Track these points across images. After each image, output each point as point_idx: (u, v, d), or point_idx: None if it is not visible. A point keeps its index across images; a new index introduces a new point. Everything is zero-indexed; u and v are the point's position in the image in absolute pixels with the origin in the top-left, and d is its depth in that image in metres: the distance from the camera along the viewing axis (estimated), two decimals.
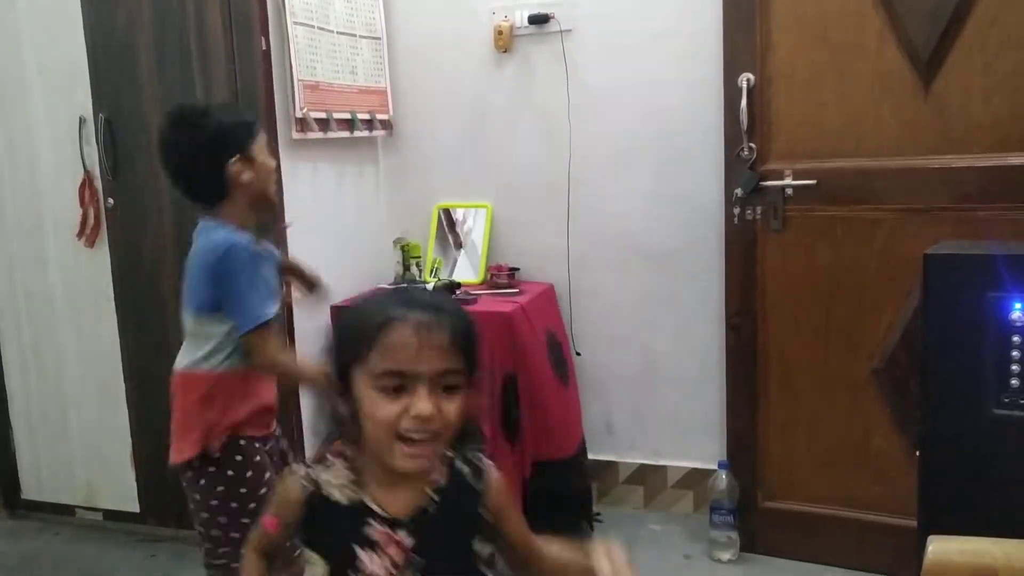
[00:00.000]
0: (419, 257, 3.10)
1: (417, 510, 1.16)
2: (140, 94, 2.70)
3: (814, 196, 2.53)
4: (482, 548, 1.20)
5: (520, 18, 2.94)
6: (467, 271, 3.05)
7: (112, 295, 2.86)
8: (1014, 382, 1.77)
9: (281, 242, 2.09)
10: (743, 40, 2.57)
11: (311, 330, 2.77)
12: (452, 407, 1.10)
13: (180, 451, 1.86)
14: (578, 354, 3.02)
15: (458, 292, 2.78)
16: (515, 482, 2.58)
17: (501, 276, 2.94)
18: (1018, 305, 1.75)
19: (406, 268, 3.09)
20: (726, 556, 2.70)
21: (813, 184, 2.52)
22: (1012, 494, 1.79)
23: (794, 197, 2.56)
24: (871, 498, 2.55)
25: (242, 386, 1.89)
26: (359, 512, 1.14)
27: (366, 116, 2.97)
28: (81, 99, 2.76)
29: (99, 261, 2.82)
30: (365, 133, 2.99)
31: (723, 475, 2.69)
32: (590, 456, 3.06)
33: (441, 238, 3.14)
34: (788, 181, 2.55)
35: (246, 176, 1.86)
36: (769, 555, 2.70)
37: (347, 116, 2.88)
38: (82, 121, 2.77)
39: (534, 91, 3.00)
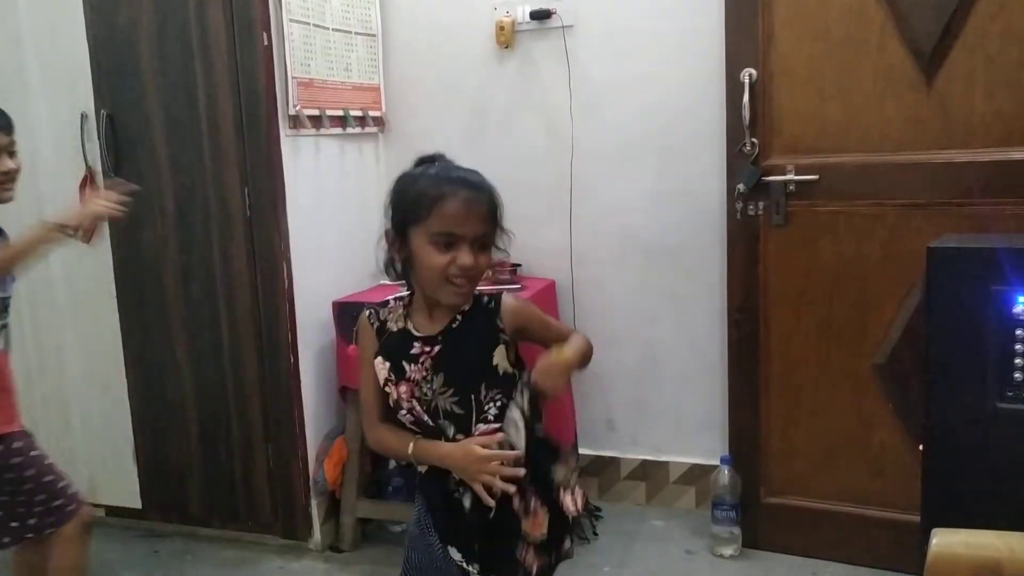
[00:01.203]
0: None
1: (446, 328, 1.53)
2: (142, 90, 2.70)
3: (816, 191, 2.53)
4: (500, 358, 1.52)
5: (522, 14, 2.94)
6: None
7: (114, 291, 2.86)
8: (1017, 376, 1.77)
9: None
10: (745, 35, 2.57)
11: (312, 323, 2.78)
12: (484, 259, 1.50)
13: None
14: None
15: None
16: None
17: (503, 272, 2.94)
18: (1021, 299, 1.75)
19: None
20: (728, 552, 2.70)
21: (815, 179, 2.52)
22: (1016, 488, 1.79)
23: (796, 192, 2.56)
24: (874, 493, 2.55)
25: None
26: (406, 336, 1.54)
27: (359, 113, 2.97)
28: (83, 95, 2.76)
29: (100, 257, 2.82)
30: (357, 130, 2.99)
31: (725, 471, 2.69)
32: (592, 452, 3.06)
33: None
34: (790, 176, 2.55)
35: None
36: (771, 551, 2.70)
37: (340, 113, 2.88)
38: (84, 117, 2.77)
39: (536, 87, 3.00)
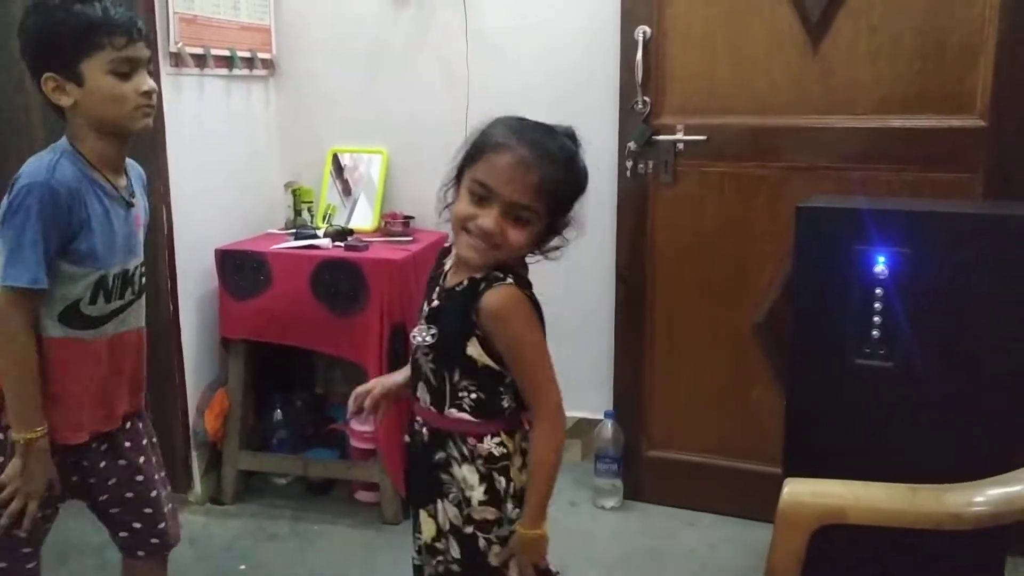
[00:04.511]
0: (311, 202, 3.02)
1: (451, 288, 1.42)
2: (7, 19, 2.54)
3: (704, 152, 2.57)
4: (476, 352, 1.39)
5: None
6: (365, 218, 2.99)
7: None
8: (875, 333, 1.84)
9: None
10: None
11: (193, 270, 2.70)
12: (518, 235, 1.36)
13: None
14: None
15: (350, 239, 2.73)
16: (398, 437, 2.57)
17: (395, 224, 2.90)
18: (882, 259, 1.81)
19: (297, 213, 3.02)
20: (610, 503, 2.75)
21: (703, 140, 2.55)
22: (870, 440, 1.87)
23: (685, 152, 2.59)
24: (749, 447, 2.63)
25: None
26: (436, 279, 1.48)
27: (247, 54, 2.87)
28: None
29: None
30: (245, 72, 2.89)
31: (608, 424, 2.74)
32: None
33: (336, 183, 3.07)
34: (679, 136, 2.58)
35: (65, 100, 1.53)
36: (651, 503, 2.77)
37: (226, 53, 2.77)
38: None
39: (433, 35, 2.94)
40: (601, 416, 2.82)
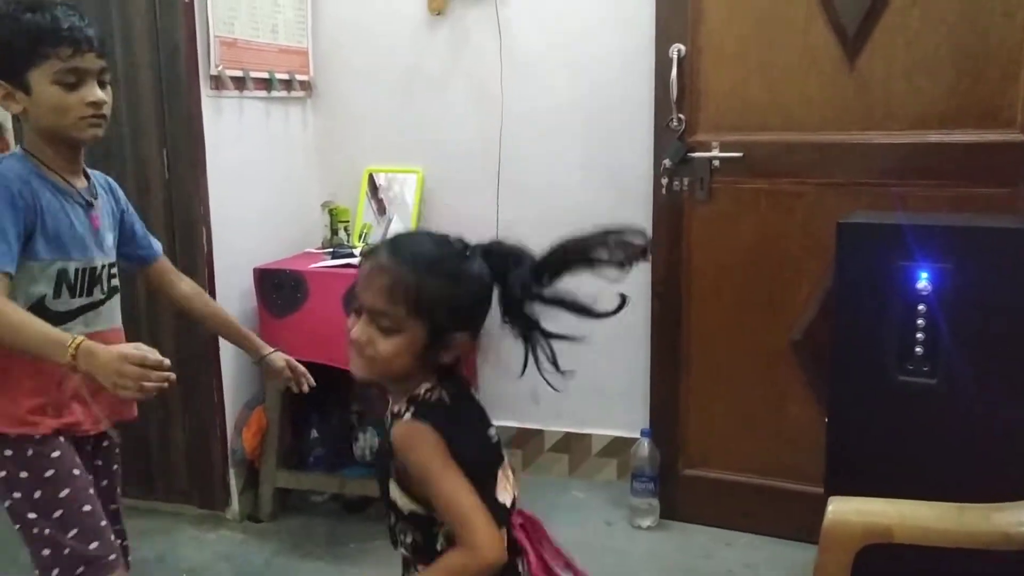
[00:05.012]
0: (347, 221, 3.05)
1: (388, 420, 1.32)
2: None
3: (740, 168, 2.56)
4: (399, 496, 1.28)
5: None
6: None
7: None
8: (918, 350, 1.82)
9: None
10: (675, 10, 2.57)
11: (233, 290, 2.73)
12: (385, 344, 1.25)
13: None
14: (505, 322, 3.01)
15: None
16: None
17: None
18: (924, 275, 1.79)
19: (334, 232, 3.05)
20: (646, 523, 2.73)
21: (739, 156, 2.55)
22: (914, 458, 1.84)
23: (720, 169, 2.58)
24: (786, 466, 2.61)
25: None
26: None
27: (285, 76, 2.91)
28: None
29: None
30: (283, 94, 2.93)
31: (645, 443, 2.72)
32: (516, 425, 3.07)
33: (371, 203, 3.10)
34: (715, 153, 2.57)
35: (14, 107, 1.54)
36: (688, 521, 2.75)
37: (265, 75, 2.82)
38: None
39: (467, 56, 2.97)
40: (636, 434, 2.80)
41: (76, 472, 1.62)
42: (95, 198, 1.67)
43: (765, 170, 2.54)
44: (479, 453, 1.31)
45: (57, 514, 1.58)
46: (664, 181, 2.64)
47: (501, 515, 1.29)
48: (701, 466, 2.74)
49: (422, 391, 1.29)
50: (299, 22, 2.98)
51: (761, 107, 2.53)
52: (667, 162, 2.62)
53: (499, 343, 1.43)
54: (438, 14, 2.94)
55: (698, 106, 2.60)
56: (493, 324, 1.40)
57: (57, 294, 1.59)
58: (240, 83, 2.70)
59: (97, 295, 1.65)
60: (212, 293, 2.65)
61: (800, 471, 2.55)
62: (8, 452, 1.58)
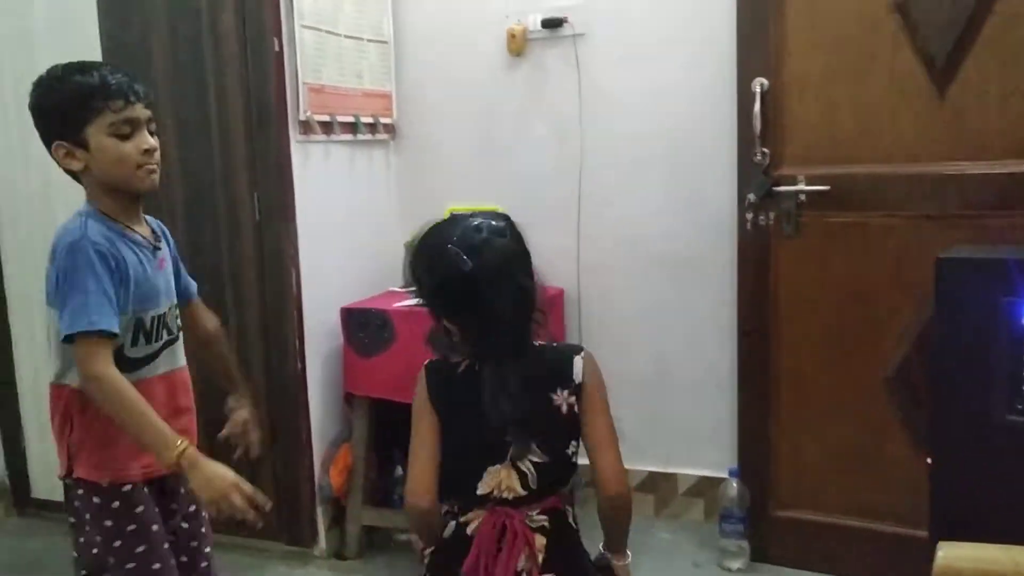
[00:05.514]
0: None
1: None
2: (154, 94, 2.68)
3: (828, 202, 2.51)
4: None
5: (533, 22, 2.94)
6: None
7: None
8: None
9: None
10: (756, 44, 2.56)
11: (319, 329, 2.77)
12: None
13: (60, 463, 1.71)
14: None
15: None
16: None
17: None
18: None
19: None
20: (736, 565, 2.66)
21: (827, 190, 2.50)
22: None
23: (808, 203, 2.54)
24: (883, 507, 2.52)
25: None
26: None
27: (369, 120, 2.98)
28: None
29: None
30: (368, 136, 3.00)
31: (733, 483, 2.66)
32: None
33: None
34: (801, 187, 2.53)
35: (75, 164, 1.64)
36: (779, 564, 2.67)
37: (351, 119, 2.88)
38: None
39: (546, 95, 3.00)
40: (723, 474, 2.75)
41: (155, 528, 1.71)
42: (159, 241, 1.76)
43: (854, 203, 2.48)
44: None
45: (130, 566, 1.67)
46: (749, 216, 2.61)
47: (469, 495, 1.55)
48: (793, 507, 2.67)
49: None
50: (383, 66, 3.06)
51: (849, 139, 2.49)
52: (751, 197, 2.58)
53: None
54: (517, 55, 2.98)
55: (783, 139, 2.57)
56: None
57: (135, 342, 1.67)
58: (327, 127, 2.77)
59: (165, 337, 1.74)
60: (300, 333, 2.71)
61: (898, 513, 2.46)
62: (97, 500, 1.67)
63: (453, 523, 1.58)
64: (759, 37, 2.55)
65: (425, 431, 1.58)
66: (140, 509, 1.69)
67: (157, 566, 1.70)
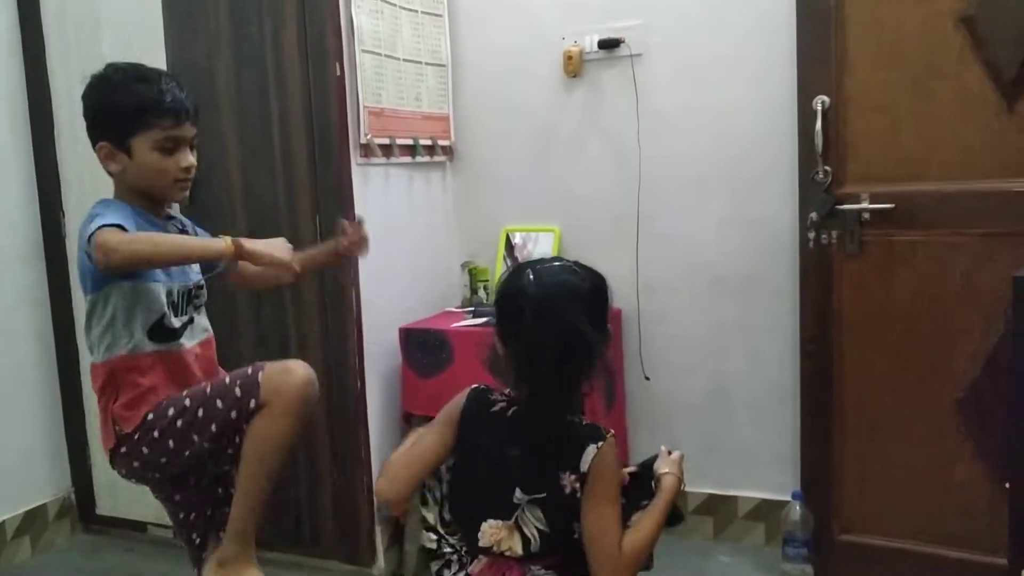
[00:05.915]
0: (487, 280, 3.10)
1: None
2: (219, 119, 2.77)
3: (892, 220, 2.47)
4: None
5: (590, 43, 2.94)
6: None
7: None
8: None
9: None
10: (817, 61, 2.53)
11: (379, 349, 2.79)
12: None
13: (105, 442, 1.82)
14: (647, 379, 2.98)
15: None
16: None
17: None
18: None
19: (473, 291, 3.10)
20: None
21: (891, 208, 2.46)
22: None
23: (871, 221, 2.50)
24: (954, 533, 2.45)
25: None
26: None
27: (428, 142, 3.01)
28: None
29: None
30: (426, 159, 3.02)
31: (796, 506, 2.62)
32: None
33: (508, 262, 3.14)
34: (865, 205, 2.49)
35: (114, 167, 1.72)
36: None
37: (410, 142, 2.91)
38: None
39: (603, 116, 3.00)
40: (784, 497, 2.70)
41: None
42: (184, 227, 1.88)
43: (920, 221, 2.44)
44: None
45: (180, 422, 1.73)
46: (811, 235, 2.58)
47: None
48: (859, 531, 2.61)
49: None
50: (441, 89, 3.09)
51: (913, 156, 2.45)
52: (814, 215, 2.55)
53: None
54: (574, 76, 2.99)
55: (845, 157, 2.54)
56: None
57: (175, 312, 1.76)
58: (387, 150, 2.80)
59: (190, 312, 1.83)
60: (360, 353, 2.73)
61: (970, 539, 2.40)
62: (138, 436, 1.75)
63: (463, 574, 1.61)
64: (820, 53, 2.53)
65: (432, 439, 1.66)
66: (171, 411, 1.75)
67: (201, 412, 1.73)
